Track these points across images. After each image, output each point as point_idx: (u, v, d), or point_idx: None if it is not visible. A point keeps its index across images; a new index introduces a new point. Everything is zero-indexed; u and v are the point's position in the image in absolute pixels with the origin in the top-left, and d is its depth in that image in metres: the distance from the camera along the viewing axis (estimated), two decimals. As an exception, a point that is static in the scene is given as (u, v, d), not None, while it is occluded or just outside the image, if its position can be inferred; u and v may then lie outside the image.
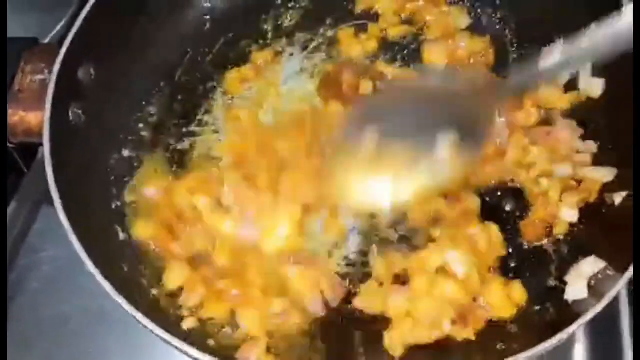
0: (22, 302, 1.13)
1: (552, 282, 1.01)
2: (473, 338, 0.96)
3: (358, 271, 1.05)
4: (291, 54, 1.27)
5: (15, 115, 1.04)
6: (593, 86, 1.15)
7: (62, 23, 1.27)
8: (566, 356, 1.06)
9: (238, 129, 1.16)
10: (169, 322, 0.96)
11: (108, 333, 1.09)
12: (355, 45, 1.25)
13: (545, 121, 1.14)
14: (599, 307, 0.88)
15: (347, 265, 1.06)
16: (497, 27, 1.26)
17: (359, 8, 1.30)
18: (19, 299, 1.13)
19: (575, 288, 0.97)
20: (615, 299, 1.00)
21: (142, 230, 1.06)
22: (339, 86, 1.19)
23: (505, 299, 0.98)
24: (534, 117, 1.13)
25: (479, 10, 1.28)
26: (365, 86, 1.18)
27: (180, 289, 1.01)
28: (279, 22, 1.30)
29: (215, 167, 1.13)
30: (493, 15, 1.27)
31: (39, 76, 1.05)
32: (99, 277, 0.85)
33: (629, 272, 0.89)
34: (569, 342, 1.06)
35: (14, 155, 1.17)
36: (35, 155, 1.19)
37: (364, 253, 1.06)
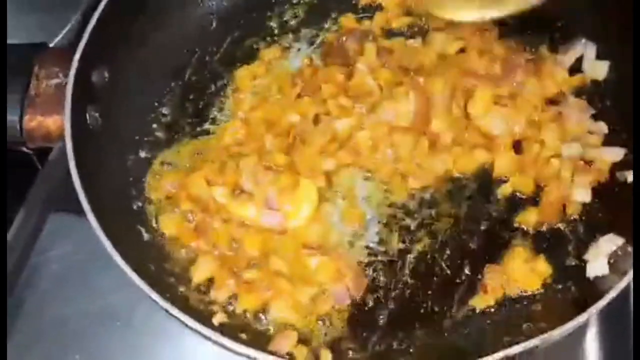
0: (32, 301, 1.12)
1: (572, 261, 1.04)
2: (493, 307, 0.99)
3: (380, 260, 1.07)
4: (299, 50, 1.28)
5: (33, 121, 1.04)
6: (597, 69, 1.18)
7: (69, 26, 1.26)
8: (580, 340, 1.07)
9: (245, 109, 1.18)
10: (200, 318, 0.96)
11: (112, 334, 1.08)
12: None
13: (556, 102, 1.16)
14: (622, 284, 0.90)
15: (369, 255, 1.08)
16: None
17: (363, 2, 1.31)
18: (30, 298, 1.12)
19: (597, 265, 1.00)
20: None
21: (168, 226, 1.07)
22: (344, 53, 1.21)
23: (530, 272, 1.01)
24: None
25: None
26: (370, 50, 1.20)
27: (209, 284, 1.02)
28: (284, 19, 1.31)
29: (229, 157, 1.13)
30: None
31: (55, 80, 1.05)
32: (135, 277, 0.86)
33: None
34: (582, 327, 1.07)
35: (29, 154, 1.17)
36: (48, 155, 1.19)
37: (385, 242, 1.08)
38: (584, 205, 1.08)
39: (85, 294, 1.10)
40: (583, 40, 1.20)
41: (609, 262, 0.99)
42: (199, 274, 1.03)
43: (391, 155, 1.11)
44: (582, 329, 1.06)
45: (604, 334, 1.06)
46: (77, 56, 1.03)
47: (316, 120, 1.14)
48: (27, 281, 1.11)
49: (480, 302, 1.00)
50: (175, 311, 0.85)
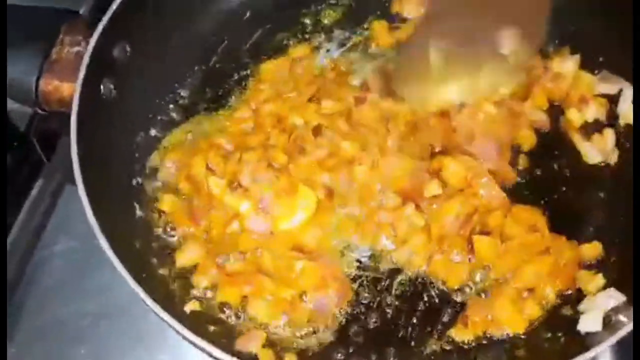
0: (35, 297, 1.11)
1: (566, 311, 0.98)
2: (472, 343, 0.95)
3: (368, 276, 1.04)
4: (328, 50, 1.26)
5: (50, 85, 1.06)
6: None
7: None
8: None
9: (259, 100, 1.17)
10: (173, 303, 0.97)
11: (116, 331, 1.08)
12: (387, 38, 1.24)
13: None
14: (610, 342, 0.84)
15: (358, 268, 1.05)
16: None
17: (393, 10, 1.28)
18: (32, 295, 1.12)
19: (591, 320, 0.94)
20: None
21: (167, 204, 1.07)
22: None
23: (516, 313, 0.96)
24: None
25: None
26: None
27: (191, 270, 1.02)
28: (319, 18, 1.30)
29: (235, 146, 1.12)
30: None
31: (77, 48, 1.07)
32: (105, 246, 0.86)
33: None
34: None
35: (36, 146, 1.19)
36: (56, 147, 1.21)
37: (376, 259, 1.05)
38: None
39: (89, 290, 1.10)
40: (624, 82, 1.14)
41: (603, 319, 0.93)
42: (183, 258, 1.03)
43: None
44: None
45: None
46: (100, 27, 1.05)
47: (317, 130, 1.11)
48: (30, 278, 1.12)
49: (459, 334, 0.97)
50: (139, 290, 0.84)
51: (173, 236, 1.06)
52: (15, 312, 1.08)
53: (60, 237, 1.15)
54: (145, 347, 1.06)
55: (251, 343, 0.94)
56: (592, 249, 1.03)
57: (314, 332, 0.99)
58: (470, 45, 0.98)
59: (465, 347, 0.96)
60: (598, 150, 1.12)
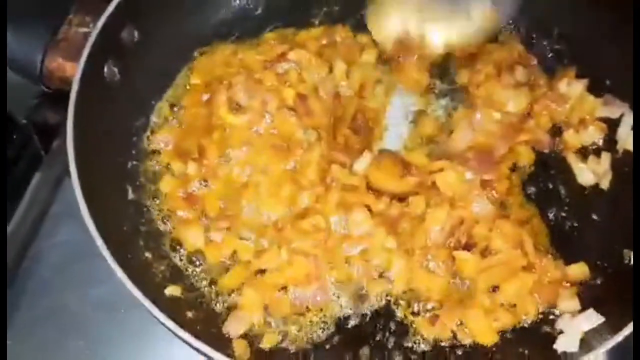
0: (33, 288, 1.12)
1: (544, 328, 0.98)
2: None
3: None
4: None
5: (54, 62, 1.08)
6: (632, 140, 1.11)
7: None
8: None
9: None
10: (153, 285, 0.97)
11: (113, 321, 1.09)
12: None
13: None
14: (584, 360, 0.84)
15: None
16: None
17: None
18: (31, 285, 1.12)
19: (569, 340, 0.94)
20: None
21: (167, 184, 1.09)
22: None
23: (488, 325, 0.96)
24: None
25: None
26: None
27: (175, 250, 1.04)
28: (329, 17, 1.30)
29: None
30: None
31: (84, 29, 1.09)
32: (92, 227, 0.87)
33: (625, 331, 0.85)
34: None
35: (34, 140, 1.21)
36: (53, 141, 1.22)
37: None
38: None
39: (87, 281, 1.10)
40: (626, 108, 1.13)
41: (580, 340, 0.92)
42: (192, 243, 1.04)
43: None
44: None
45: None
46: (109, 9, 1.06)
47: None
48: (28, 268, 1.13)
49: (423, 329, 0.97)
50: (119, 271, 0.85)
51: (162, 220, 1.07)
52: (14, 302, 1.09)
53: (59, 229, 1.16)
54: (142, 338, 1.07)
55: (238, 326, 0.96)
56: (578, 270, 1.02)
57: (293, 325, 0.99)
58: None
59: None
60: (592, 173, 1.11)
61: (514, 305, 0.99)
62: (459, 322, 0.97)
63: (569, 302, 0.98)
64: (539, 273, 1.00)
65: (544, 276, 1.00)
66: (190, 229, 1.05)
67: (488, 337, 0.96)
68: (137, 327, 1.07)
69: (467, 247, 1.02)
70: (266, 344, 0.97)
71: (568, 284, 1.01)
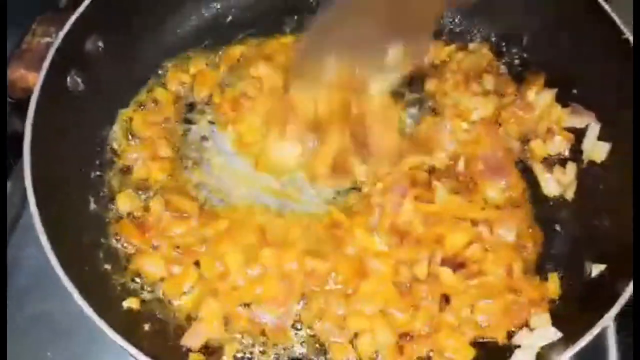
0: (10, 297, 1.07)
1: (503, 341, 0.98)
2: None
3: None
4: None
5: (17, 73, 1.08)
6: (598, 150, 1.11)
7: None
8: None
9: None
10: (110, 298, 0.97)
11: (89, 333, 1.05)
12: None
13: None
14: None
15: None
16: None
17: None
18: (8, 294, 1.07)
19: (525, 355, 0.94)
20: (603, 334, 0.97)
21: (123, 202, 1.08)
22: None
23: (463, 342, 0.96)
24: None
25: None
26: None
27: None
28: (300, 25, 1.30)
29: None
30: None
31: (47, 39, 1.09)
32: (44, 239, 0.87)
33: (578, 345, 0.85)
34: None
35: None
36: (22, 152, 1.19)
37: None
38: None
39: (65, 290, 1.05)
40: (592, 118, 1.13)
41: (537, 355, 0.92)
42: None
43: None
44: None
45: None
46: (71, 19, 1.06)
47: None
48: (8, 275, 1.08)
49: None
50: (69, 285, 0.85)
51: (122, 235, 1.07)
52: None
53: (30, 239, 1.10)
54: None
55: (197, 337, 0.96)
56: (553, 285, 1.01)
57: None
58: (359, 54, 1.06)
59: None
60: (557, 183, 1.11)
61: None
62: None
63: (540, 318, 0.97)
64: (519, 295, 0.99)
65: (523, 299, 0.98)
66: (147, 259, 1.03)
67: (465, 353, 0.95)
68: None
69: (456, 266, 1.01)
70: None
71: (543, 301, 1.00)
